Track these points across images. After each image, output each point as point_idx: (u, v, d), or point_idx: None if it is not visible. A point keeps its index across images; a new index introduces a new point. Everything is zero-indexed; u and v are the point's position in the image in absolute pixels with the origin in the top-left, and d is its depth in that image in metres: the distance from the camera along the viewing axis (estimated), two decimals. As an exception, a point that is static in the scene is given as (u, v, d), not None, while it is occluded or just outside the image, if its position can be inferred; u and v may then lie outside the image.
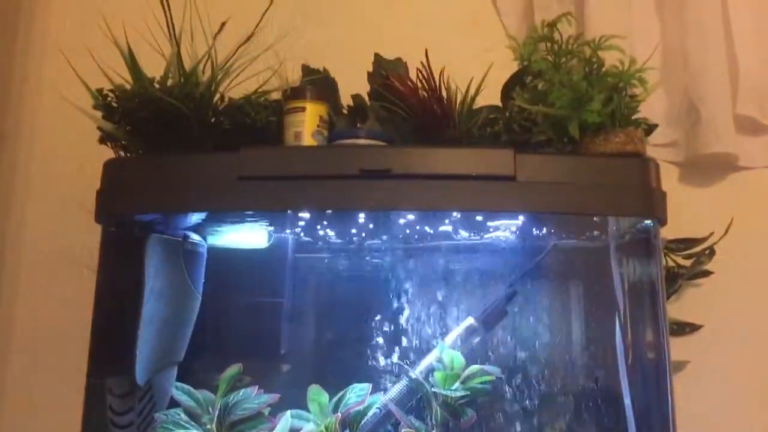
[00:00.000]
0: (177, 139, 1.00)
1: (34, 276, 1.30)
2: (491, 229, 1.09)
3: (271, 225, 1.09)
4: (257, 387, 0.97)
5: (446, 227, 1.10)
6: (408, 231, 1.11)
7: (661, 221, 0.97)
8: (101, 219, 0.98)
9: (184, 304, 1.02)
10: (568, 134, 0.98)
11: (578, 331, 1.12)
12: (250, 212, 1.00)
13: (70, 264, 1.27)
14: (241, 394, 0.96)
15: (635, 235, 1.02)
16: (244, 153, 0.94)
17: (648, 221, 0.97)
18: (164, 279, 0.99)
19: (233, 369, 0.96)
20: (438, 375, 1.03)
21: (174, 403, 0.96)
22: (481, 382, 1.03)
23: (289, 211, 1.01)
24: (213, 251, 1.09)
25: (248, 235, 1.09)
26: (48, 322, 1.26)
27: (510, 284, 1.11)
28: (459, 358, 1.04)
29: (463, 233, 1.11)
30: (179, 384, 0.96)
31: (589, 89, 0.95)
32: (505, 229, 1.08)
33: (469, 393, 1.01)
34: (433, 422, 1.02)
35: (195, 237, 1.06)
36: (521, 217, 1.03)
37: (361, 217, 1.05)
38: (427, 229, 1.11)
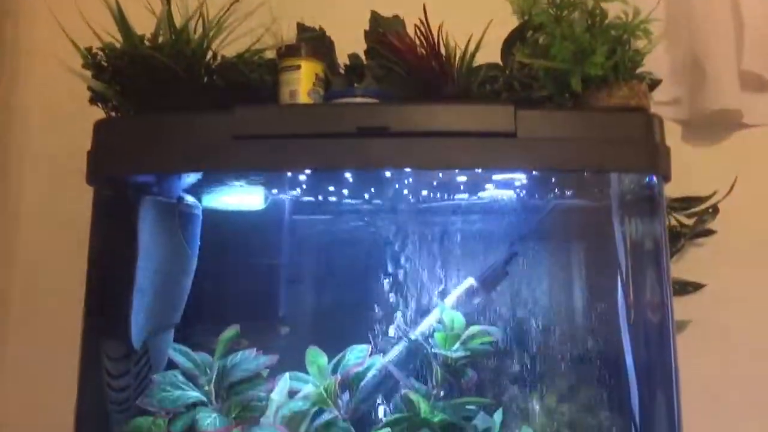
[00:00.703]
0: (169, 98, 0.98)
1: (32, 244, 1.28)
2: (491, 189, 1.07)
3: (267, 186, 1.07)
4: (255, 349, 0.96)
5: (445, 187, 1.08)
6: (406, 192, 1.09)
7: (666, 177, 0.95)
8: (93, 180, 0.96)
9: (179, 266, 1.00)
10: (570, 89, 0.96)
11: (580, 292, 1.11)
12: (245, 172, 0.98)
13: (68, 231, 1.24)
14: (239, 356, 0.94)
15: (638, 193, 1.00)
16: (239, 112, 0.92)
17: (652, 177, 0.95)
18: (158, 241, 0.97)
19: (231, 330, 0.94)
20: (438, 336, 1.01)
21: (171, 367, 0.95)
22: (482, 343, 1.02)
23: (285, 172, 0.99)
24: (208, 213, 1.07)
25: (244, 197, 1.07)
26: (46, 289, 1.25)
27: (510, 245, 1.10)
28: (459, 319, 1.03)
29: (463, 193, 1.09)
30: (176, 345, 0.94)
31: (591, 42, 0.93)
32: (505, 186, 1.05)
33: (469, 353, 1.00)
34: (434, 383, 1.01)
35: (190, 199, 1.04)
36: (522, 176, 1.01)
37: (359, 177, 1.03)
38: (425, 189, 1.09)
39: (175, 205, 1.01)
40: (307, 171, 0.99)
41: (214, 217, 1.07)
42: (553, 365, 1.08)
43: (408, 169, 0.98)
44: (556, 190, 1.07)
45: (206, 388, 0.90)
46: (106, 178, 0.97)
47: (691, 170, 1.17)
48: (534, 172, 0.98)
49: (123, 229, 0.96)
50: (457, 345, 1.01)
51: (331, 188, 1.08)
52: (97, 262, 0.97)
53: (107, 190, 0.98)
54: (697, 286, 1.20)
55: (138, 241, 0.95)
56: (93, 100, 1.02)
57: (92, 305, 0.96)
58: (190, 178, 1.00)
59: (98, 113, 1.02)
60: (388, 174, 1.01)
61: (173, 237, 0.99)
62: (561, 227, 1.12)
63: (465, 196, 1.08)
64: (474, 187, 1.07)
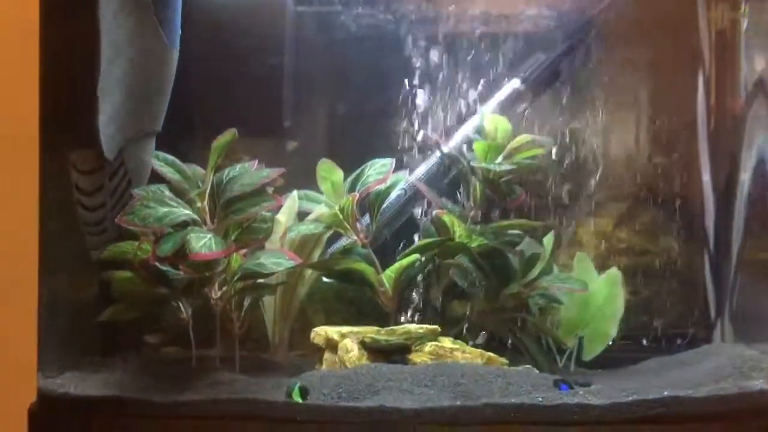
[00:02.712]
0: None
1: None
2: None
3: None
4: (257, 162, 0.78)
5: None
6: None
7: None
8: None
9: (155, 60, 0.80)
10: None
11: (647, 98, 0.92)
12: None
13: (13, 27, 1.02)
14: (237, 168, 0.77)
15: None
16: None
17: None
18: (126, 27, 0.76)
19: (227, 135, 0.76)
20: (478, 146, 0.84)
21: (155, 182, 0.78)
22: (531, 157, 0.84)
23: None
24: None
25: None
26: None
27: (564, 39, 0.90)
28: (504, 124, 0.85)
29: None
30: (161, 154, 0.77)
31: None
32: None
33: (515, 167, 0.83)
34: (472, 203, 0.85)
35: (164, -26, 0.82)
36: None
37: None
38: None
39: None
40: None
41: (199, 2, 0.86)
42: (611, 184, 0.91)
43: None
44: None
45: (198, 204, 0.74)
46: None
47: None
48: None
49: (81, 13, 0.75)
50: (500, 158, 0.84)
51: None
52: (52, 56, 0.77)
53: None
54: None
55: (99, 26, 0.74)
56: None
57: (50, 108, 0.77)
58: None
59: None
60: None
61: (145, 21, 0.78)
62: (626, 18, 0.91)
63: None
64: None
